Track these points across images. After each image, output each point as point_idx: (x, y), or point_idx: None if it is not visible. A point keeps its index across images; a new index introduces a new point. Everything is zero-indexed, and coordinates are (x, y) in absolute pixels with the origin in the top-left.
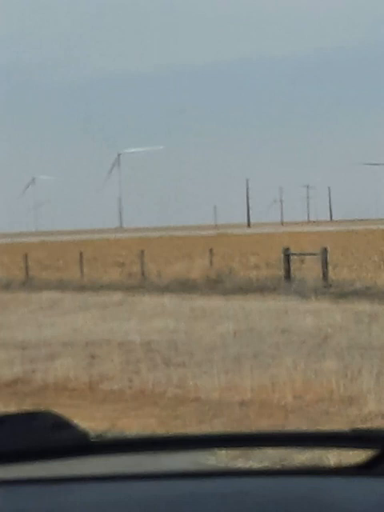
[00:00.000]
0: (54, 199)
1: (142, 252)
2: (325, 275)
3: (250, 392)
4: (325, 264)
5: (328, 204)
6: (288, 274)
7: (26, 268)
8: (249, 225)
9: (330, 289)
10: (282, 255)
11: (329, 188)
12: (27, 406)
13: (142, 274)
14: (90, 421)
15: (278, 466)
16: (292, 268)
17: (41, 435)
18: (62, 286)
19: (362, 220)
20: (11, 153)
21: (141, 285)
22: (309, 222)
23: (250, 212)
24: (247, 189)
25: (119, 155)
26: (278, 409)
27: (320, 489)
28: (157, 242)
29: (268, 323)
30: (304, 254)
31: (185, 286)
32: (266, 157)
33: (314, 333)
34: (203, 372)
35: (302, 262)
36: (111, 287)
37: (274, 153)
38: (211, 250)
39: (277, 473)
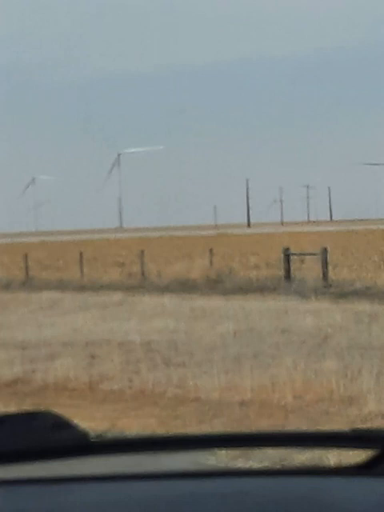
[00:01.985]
0: (54, 199)
1: (142, 252)
2: (325, 275)
3: (249, 392)
4: (325, 264)
5: (328, 204)
6: (288, 274)
7: (26, 268)
8: (249, 225)
9: (330, 289)
10: (282, 255)
11: (329, 188)
12: (27, 406)
13: (142, 274)
14: (90, 421)
15: (278, 466)
16: (292, 268)
17: (41, 435)
18: (62, 286)
19: (362, 220)
20: (11, 153)
21: (141, 285)
22: (309, 222)
23: (250, 212)
24: (247, 189)
25: (119, 155)
26: (278, 409)
27: (320, 489)
28: (157, 242)
29: (268, 323)
30: (304, 254)
31: (185, 286)
32: (266, 157)
33: (313, 333)
34: (203, 372)
35: (302, 262)
36: (111, 287)
37: (274, 153)
38: (211, 250)
39: (277, 473)
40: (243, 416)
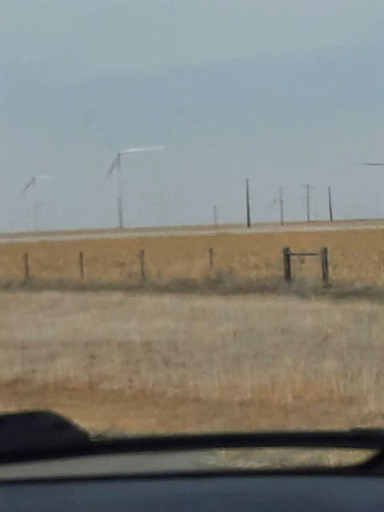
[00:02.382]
0: (54, 199)
1: (142, 252)
2: (325, 275)
3: (249, 392)
4: (325, 264)
5: (328, 204)
6: (288, 274)
7: (26, 268)
8: (249, 225)
9: (330, 289)
10: (282, 255)
11: (329, 188)
12: (27, 406)
13: (142, 274)
14: (90, 421)
15: (278, 466)
16: (292, 268)
17: (41, 435)
18: (62, 286)
19: (362, 220)
20: (11, 153)
21: (141, 285)
22: (309, 222)
23: (250, 212)
24: (247, 189)
25: (119, 155)
26: (278, 409)
27: (320, 489)
28: (157, 242)
29: (268, 323)
30: (304, 254)
31: (185, 286)
32: (266, 157)
33: (313, 333)
34: (203, 372)
35: (302, 262)
36: (111, 287)
37: (274, 153)
38: (211, 250)
39: (277, 473)
40: (243, 416)
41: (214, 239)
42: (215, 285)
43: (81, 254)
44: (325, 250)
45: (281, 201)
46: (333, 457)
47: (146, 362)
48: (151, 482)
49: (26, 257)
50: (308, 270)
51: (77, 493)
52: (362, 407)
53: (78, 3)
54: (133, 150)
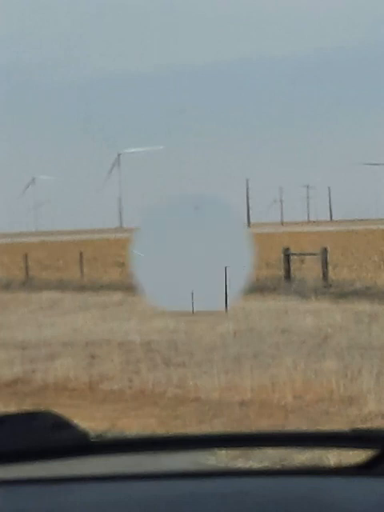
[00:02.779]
0: (54, 199)
1: None
2: (325, 275)
3: (249, 392)
4: (325, 264)
5: (328, 204)
6: (288, 274)
7: (26, 268)
8: (249, 225)
9: (329, 289)
10: (282, 255)
11: (329, 188)
12: (27, 406)
13: None
14: (90, 421)
15: (278, 466)
16: (292, 268)
17: (41, 435)
18: (62, 285)
19: (362, 220)
20: (11, 153)
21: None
22: (309, 222)
23: (250, 212)
24: (247, 189)
25: (119, 155)
26: (278, 409)
27: (320, 489)
28: None
29: (268, 323)
30: (304, 254)
31: None
32: (266, 157)
33: (313, 333)
34: (203, 372)
35: (302, 262)
36: (111, 287)
37: (274, 153)
38: None
39: (277, 473)
40: (243, 416)
41: None
42: None
43: (81, 254)
44: (325, 250)
45: (281, 201)
46: (333, 457)
47: (146, 362)
48: (151, 482)
49: (25, 257)
50: (308, 270)
51: (77, 493)
52: (361, 407)
53: (78, 3)
54: (133, 149)
